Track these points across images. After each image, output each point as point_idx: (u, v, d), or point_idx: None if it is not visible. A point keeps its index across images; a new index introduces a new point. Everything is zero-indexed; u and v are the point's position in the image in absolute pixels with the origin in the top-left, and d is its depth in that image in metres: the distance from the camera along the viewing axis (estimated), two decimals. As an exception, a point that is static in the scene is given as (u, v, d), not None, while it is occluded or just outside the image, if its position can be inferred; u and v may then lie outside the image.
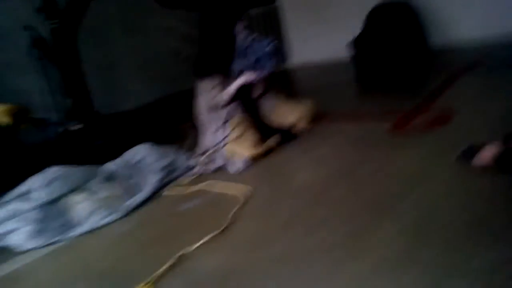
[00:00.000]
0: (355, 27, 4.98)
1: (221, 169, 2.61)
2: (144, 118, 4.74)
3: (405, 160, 2.09)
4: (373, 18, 4.86)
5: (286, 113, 2.92)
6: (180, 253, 1.69)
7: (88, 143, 3.53)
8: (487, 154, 1.74)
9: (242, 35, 2.84)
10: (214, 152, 2.70)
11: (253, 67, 2.76)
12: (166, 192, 2.45)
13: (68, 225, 2.18)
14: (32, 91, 4.21)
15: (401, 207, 1.67)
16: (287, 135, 2.83)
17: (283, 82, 5.25)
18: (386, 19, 4.74)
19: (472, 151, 1.82)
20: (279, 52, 2.80)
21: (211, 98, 2.82)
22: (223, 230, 1.82)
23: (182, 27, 5.90)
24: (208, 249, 1.71)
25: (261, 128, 2.82)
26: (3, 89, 4.31)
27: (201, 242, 1.74)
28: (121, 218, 2.22)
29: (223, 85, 2.82)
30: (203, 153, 2.77)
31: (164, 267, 1.61)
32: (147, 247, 1.87)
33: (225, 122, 2.77)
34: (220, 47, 2.85)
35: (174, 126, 3.96)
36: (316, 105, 3.07)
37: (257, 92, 2.96)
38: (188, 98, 3.06)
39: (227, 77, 2.84)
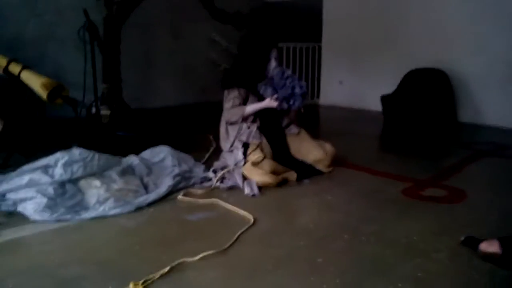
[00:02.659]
0: (388, 84, 5.10)
1: (235, 188, 2.68)
2: (170, 119, 4.85)
3: (410, 227, 2.14)
4: (409, 80, 4.95)
5: (308, 151, 3.00)
6: (180, 260, 1.75)
7: (111, 131, 3.65)
8: (486, 249, 1.78)
9: (274, 62, 2.97)
10: (232, 169, 2.78)
11: (282, 100, 2.87)
12: (179, 197, 2.52)
13: (81, 207, 2.26)
14: (74, 69, 4.35)
15: (396, 273, 1.71)
16: (305, 172, 2.90)
17: (309, 117, 5.34)
18: (421, 83, 4.84)
19: (471, 242, 1.87)
20: (306, 95, 2.97)
21: (231, 110, 2.92)
22: (226, 249, 1.88)
23: (225, 42, 6.08)
24: (207, 264, 1.76)
25: (282, 157, 2.90)
26: (49, 61, 4.48)
27: (203, 254, 1.80)
28: (130, 212, 2.29)
29: (244, 100, 2.93)
30: (222, 168, 2.85)
31: (161, 272, 1.67)
32: (149, 247, 1.94)
33: (246, 141, 2.86)
34: (251, 65, 2.97)
35: (197, 134, 4.06)
36: (337, 149, 3.14)
37: (283, 122, 3.07)
38: (216, 110, 3.16)
39: (251, 94, 2.95)
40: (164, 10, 5.58)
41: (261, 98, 2.95)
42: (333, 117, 5.64)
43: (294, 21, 6.45)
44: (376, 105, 5.23)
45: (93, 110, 4.08)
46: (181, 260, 1.76)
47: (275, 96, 2.86)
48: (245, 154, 2.83)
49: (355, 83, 5.90)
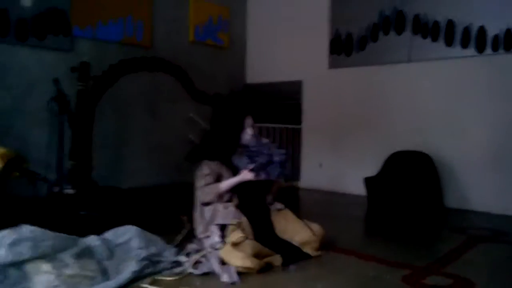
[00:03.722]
0: (369, 168, 4.96)
1: (211, 274, 2.31)
2: (141, 199, 4.50)
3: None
4: (393, 162, 4.82)
5: (295, 231, 2.69)
6: None
7: (74, 211, 3.27)
8: None
9: (250, 131, 2.75)
10: (209, 252, 2.42)
11: (260, 168, 2.61)
12: (145, 284, 2.13)
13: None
14: (38, 143, 4.08)
15: None
16: (292, 256, 2.56)
17: (290, 199, 5.06)
18: (405, 165, 4.70)
19: None
20: (286, 165, 2.70)
21: (204, 189, 2.64)
22: None
23: (203, 122, 5.93)
24: None
25: (265, 237, 2.57)
26: (11, 133, 4.19)
27: None
28: (83, 303, 1.89)
29: (218, 177, 2.66)
30: (196, 251, 2.50)
31: None
32: None
33: (223, 222, 2.54)
34: (224, 133, 2.74)
35: (170, 216, 3.71)
36: (325, 231, 2.83)
37: (266, 199, 2.80)
38: (192, 190, 2.86)
39: (226, 169, 2.69)
40: (142, 89, 5.46)
41: (236, 173, 2.70)
42: (314, 200, 5.37)
43: (274, 103, 6.43)
44: (357, 189, 5.03)
45: (56, 188, 3.74)
46: None
47: (251, 166, 2.61)
48: (223, 237, 2.50)
49: (336, 166, 5.74)
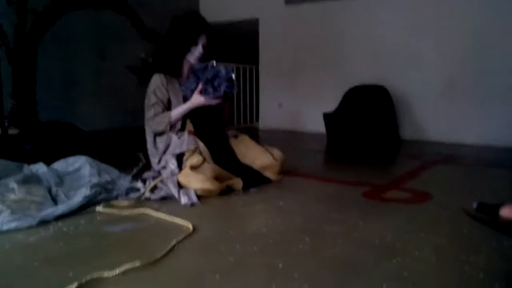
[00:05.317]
0: (328, 104, 4.94)
1: (168, 199, 2.22)
2: (92, 138, 4.29)
3: (380, 228, 1.80)
4: (351, 97, 4.81)
5: (255, 156, 2.63)
6: (93, 276, 1.27)
7: (18, 146, 3.07)
8: (509, 215, 1.48)
9: (201, 49, 2.61)
10: (166, 178, 2.32)
11: (206, 82, 2.49)
12: (98, 208, 2.01)
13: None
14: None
15: (377, 274, 1.35)
16: (252, 180, 2.51)
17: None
18: (363, 99, 4.71)
19: (487, 209, 1.57)
20: (234, 83, 2.57)
21: (155, 119, 2.51)
22: (155, 262, 1.42)
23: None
24: (132, 279, 1.30)
25: (225, 161, 2.49)
26: None
27: (125, 268, 1.33)
28: (32, 227, 1.76)
29: (167, 104, 2.55)
30: (153, 178, 2.39)
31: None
32: (53, 264, 1.43)
33: (178, 151, 2.43)
34: (174, 47, 2.59)
35: (125, 154, 3.56)
36: (286, 157, 2.79)
37: (219, 121, 2.70)
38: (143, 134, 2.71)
39: (175, 89, 2.56)
40: (89, 27, 5.11)
41: (186, 100, 2.57)
42: (274, 138, 5.34)
43: (231, 42, 6.22)
44: (317, 126, 5.03)
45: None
46: (94, 275, 1.28)
47: (200, 87, 2.48)
48: (180, 164, 2.40)
49: (295, 104, 5.70)
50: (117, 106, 5.46)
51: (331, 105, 4.92)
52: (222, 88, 2.49)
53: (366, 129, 4.44)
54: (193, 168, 2.29)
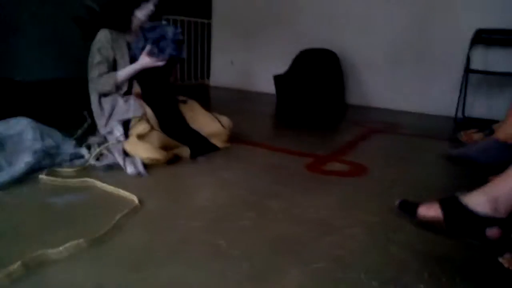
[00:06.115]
0: (280, 65, 4.97)
1: (114, 167, 2.22)
2: (34, 93, 4.11)
3: (318, 203, 1.92)
4: (301, 60, 4.86)
5: (204, 123, 2.66)
6: (36, 254, 1.30)
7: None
8: (426, 213, 1.61)
9: (152, 7, 2.54)
10: (110, 146, 2.31)
11: (151, 49, 2.46)
12: (41, 176, 1.99)
13: None
14: None
15: (311, 253, 1.46)
16: (200, 148, 2.54)
17: (201, 96, 5.00)
18: (312, 63, 4.77)
19: (408, 206, 1.69)
20: (182, 44, 2.56)
21: (100, 80, 2.45)
22: (101, 236, 1.46)
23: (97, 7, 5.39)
24: (76, 256, 1.34)
25: (173, 127, 2.50)
26: None
27: (68, 244, 1.36)
28: (-32, 197, 1.73)
29: (113, 66, 2.49)
30: (98, 144, 2.37)
31: (8, 270, 1.20)
32: (-6, 239, 1.44)
33: (125, 117, 2.41)
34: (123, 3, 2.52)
35: (69, 110, 3.45)
36: (232, 125, 2.84)
37: (166, 83, 2.68)
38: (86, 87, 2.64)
39: (122, 48, 2.51)
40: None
41: (134, 60, 2.52)
42: (224, 97, 5.35)
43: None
44: (268, 86, 5.08)
45: None
46: (37, 253, 1.30)
47: (148, 48, 2.44)
48: (126, 131, 2.38)
49: (247, 63, 5.68)
50: (61, 55, 5.20)
51: (282, 67, 4.96)
52: (168, 51, 2.46)
53: (314, 92, 4.54)
54: (140, 136, 2.29)
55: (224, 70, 5.87)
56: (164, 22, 2.54)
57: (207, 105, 4.70)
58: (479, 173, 2.38)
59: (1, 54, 4.58)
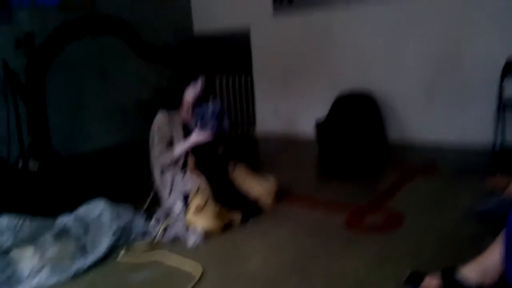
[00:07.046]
0: (320, 109, 5.27)
1: (178, 239, 2.61)
2: (104, 164, 4.67)
3: (356, 260, 2.19)
4: (338, 105, 5.13)
5: (250, 186, 3.00)
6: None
7: (40, 186, 3.45)
8: (431, 282, 1.84)
9: (199, 88, 2.97)
10: (174, 220, 2.71)
11: (200, 126, 2.87)
12: (119, 258, 2.40)
13: (16, 279, 2.10)
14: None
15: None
16: (249, 211, 2.88)
17: (246, 148, 5.40)
18: (349, 107, 5.03)
19: (416, 278, 1.90)
20: (222, 118, 2.95)
21: (161, 157, 2.87)
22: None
23: (154, 79, 5.98)
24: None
25: (224, 195, 2.87)
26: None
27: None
28: (68, 280, 2.15)
29: (170, 140, 2.90)
30: (165, 216, 2.77)
31: None
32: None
33: (184, 191, 2.80)
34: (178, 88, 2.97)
35: (134, 179, 3.93)
36: (278, 182, 3.16)
37: (216, 155, 3.07)
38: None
39: (177, 124, 2.92)
40: (90, 52, 5.40)
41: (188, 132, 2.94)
42: (269, 146, 5.71)
43: (225, 53, 6.51)
44: (310, 131, 5.36)
45: (20, 164, 3.86)
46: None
47: (200, 126, 2.85)
48: (186, 203, 2.77)
49: (289, 110, 6.03)
50: (121, 123, 5.80)
51: (322, 110, 5.23)
52: (209, 126, 2.87)
53: (355, 138, 4.76)
54: (198, 208, 2.67)
55: (268, 118, 6.25)
56: (211, 102, 2.95)
57: (255, 157, 5.10)
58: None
59: (70, 127, 5.22)
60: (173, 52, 6.29)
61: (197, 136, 2.89)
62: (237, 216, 2.82)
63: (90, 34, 4.79)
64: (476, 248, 1.88)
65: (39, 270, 2.14)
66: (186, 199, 2.79)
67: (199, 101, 3.00)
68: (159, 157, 2.90)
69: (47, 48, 4.28)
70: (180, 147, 2.90)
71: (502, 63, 4.28)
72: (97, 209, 2.76)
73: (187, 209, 2.73)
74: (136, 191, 3.45)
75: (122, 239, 2.56)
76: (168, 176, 2.94)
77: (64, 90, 5.05)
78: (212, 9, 6.50)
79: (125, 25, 5.03)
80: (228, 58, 6.47)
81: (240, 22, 6.18)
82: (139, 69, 5.92)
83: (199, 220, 2.63)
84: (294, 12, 5.69)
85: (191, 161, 2.97)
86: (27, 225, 2.30)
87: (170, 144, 2.93)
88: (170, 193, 2.91)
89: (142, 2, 5.94)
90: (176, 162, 2.92)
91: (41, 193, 3.34)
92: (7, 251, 2.20)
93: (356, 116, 4.87)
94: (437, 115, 4.88)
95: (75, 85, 5.26)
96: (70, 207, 2.76)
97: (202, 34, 6.69)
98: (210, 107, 2.90)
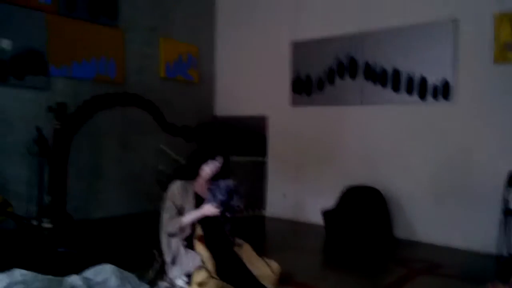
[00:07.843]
0: (328, 199, 5.41)
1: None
2: (114, 232, 4.77)
3: None
4: (347, 196, 5.28)
5: (255, 265, 3.04)
6: None
7: (52, 247, 3.55)
8: None
9: (216, 166, 3.07)
10: (178, 292, 2.76)
11: (209, 200, 2.97)
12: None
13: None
14: (20, 181, 4.32)
15: None
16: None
17: (257, 227, 5.46)
18: (358, 200, 5.17)
19: None
20: (236, 191, 3.06)
21: (169, 223, 2.96)
22: None
23: (173, 153, 6.24)
24: None
25: (228, 270, 2.91)
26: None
27: None
28: None
29: (180, 209, 2.99)
30: (168, 288, 2.82)
31: None
32: None
33: (186, 269, 2.86)
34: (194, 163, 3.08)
35: (142, 249, 3.99)
36: (282, 265, 3.20)
37: (223, 230, 3.15)
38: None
39: (190, 195, 3.03)
40: (115, 122, 5.73)
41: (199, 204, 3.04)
42: (277, 229, 5.78)
43: (241, 136, 6.82)
44: (318, 218, 5.46)
45: (35, 222, 3.99)
46: None
47: (212, 202, 2.95)
48: (188, 279, 2.82)
49: (298, 196, 6.18)
50: (135, 192, 5.97)
51: (329, 200, 5.37)
52: (220, 200, 2.99)
53: (362, 227, 4.85)
54: (200, 284, 2.72)
55: (278, 202, 6.39)
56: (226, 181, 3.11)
57: (262, 238, 5.15)
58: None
59: (86, 193, 5.41)
60: (192, 132, 6.62)
61: (207, 208, 3.01)
62: (239, 296, 2.85)
63: (117, 106, 5.14)
64: None
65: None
66: (189, 277, 2.85)
67: (215, 178, 3.16)
68: (168, 223, 2.99)
69: (76, 117, 4.58)
70: (189, 216, 2.99)
71: (507, 172, 4.44)
72: (103, 274, 2.84)
73: (190, 284, 2.78)
74: (143, 260, 3.50)
75: (126, 307, 2.60)
76: (174, 242, 3.00)
77: (85, 156, 5.31)
78: (235, 95, 6.95)
79: (151, 105, 5.35)
80: (245, 141, 6.76)
81: (259, 109, 6.57)
82: (158, 143, 6.18)
83: (200, 297, 2.67)
84: (311, 104, 6.05)
85: (199, 231, 3.06)
86: (38, 281, 2.39)
87: (180, 213, 3.04)
88: (174, 259, 2.96)
89: (170, 84, 6.40)
90: (182, 230, 3.01)
91: (51, 252, 3.44)
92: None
93: (365, 209, 4.99)
94: (443, 217, 4.96)
95: (96, 153, 5.53)
96: (77, 269, 2.84)
97: (223, 116, 7.08)
98: (224, 183, 3.05)
